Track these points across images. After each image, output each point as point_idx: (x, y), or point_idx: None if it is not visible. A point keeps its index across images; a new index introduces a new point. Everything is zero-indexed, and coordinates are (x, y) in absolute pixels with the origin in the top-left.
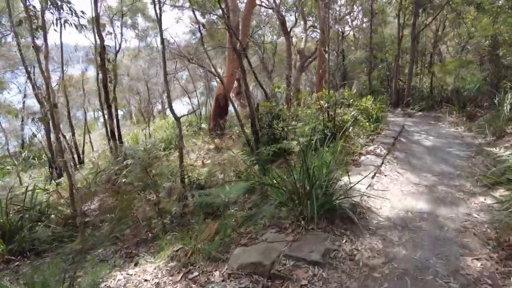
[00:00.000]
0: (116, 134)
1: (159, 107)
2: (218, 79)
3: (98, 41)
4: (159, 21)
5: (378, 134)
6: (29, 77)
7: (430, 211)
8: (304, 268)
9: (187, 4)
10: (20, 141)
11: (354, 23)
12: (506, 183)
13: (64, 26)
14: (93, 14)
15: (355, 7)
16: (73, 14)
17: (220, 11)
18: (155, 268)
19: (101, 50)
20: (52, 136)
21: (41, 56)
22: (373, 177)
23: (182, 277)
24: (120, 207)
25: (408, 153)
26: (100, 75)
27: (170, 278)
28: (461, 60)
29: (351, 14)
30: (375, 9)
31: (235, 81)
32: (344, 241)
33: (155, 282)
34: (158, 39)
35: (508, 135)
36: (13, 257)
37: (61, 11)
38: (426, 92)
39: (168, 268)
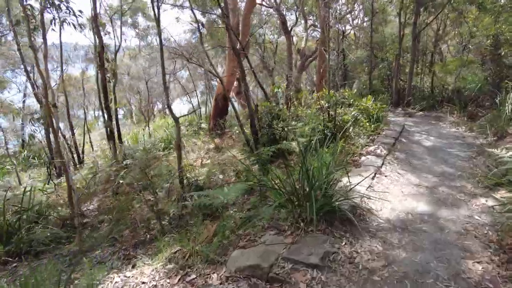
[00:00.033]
0: (116, 134)
1: (160, 106)
2: (217, 79)
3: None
4: (157, 20)
5: (379, 134)
6: (28, 77)
7: (431, 212)
8: (303, 271)
9: (187, 4)
10: (21, 141)
11: (355, 22)
12: (508, 185)
13: (62, 26)
14: (92, 14)
15: (356, 6)
16: (71, 14)
17: (220, 10)
18: (152, 271)
19: (100, 49)
20: (51, 136)
21: (40, 55)
22: (373, 178)
23: (179, 279)
24: (119, 208)
25: (408, 154)
26: (100, 75)
27: (168, 280)
28: (462, 60)
29: (352, 13)
30: (376, 8)
31: (236, 81)
32: (344, 243)
33: (152, 285)
34: (158, 38)
35: (509, 136)
36: (10, 259)
37: (59, 10)
38: (427, 91)
39: (165, 271)
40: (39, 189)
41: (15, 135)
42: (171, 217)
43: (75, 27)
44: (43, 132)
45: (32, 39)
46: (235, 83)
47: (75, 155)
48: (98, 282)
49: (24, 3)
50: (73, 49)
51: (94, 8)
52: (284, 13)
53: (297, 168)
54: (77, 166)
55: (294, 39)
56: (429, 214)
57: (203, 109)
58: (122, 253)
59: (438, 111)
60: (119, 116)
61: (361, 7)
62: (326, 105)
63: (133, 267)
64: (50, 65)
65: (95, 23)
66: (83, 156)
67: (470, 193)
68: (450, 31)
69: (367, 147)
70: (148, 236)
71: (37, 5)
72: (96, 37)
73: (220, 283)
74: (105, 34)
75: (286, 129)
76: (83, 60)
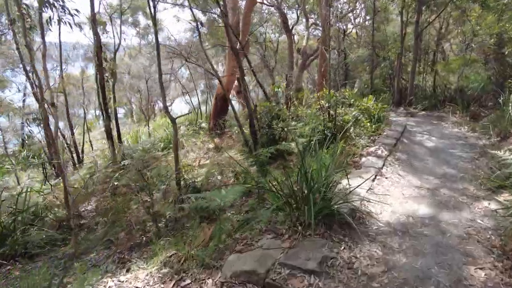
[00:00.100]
0: (115, 133)
1: (160, 105)
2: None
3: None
4: (153, 19)
5: (380, 134)
6: (27, 76)
7: (432, 216)
8: (300, 278)
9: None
10: (20, 140)
11: (357, 21)
12: (511, 188)
13: (59, 25)
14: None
15: (357, 4)
16: (67, 13)
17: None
18: (147, 275)
19: (98, 49)
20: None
21: (39, 54)
22: (373, 180)
23: (174, 284)
24: (115, 209)
25: (410, 155)
26: (98, 74)
27: (162, 286)
28: (465, 59)
29: (354, 12)
30: (377, 6)
31: (236, 80)
32: (342, 248)
33: None
34: (159, 37)
35: None
36: (4, 261)
37: (54, 9)
38: (429, 91)
39: (160, 275)
40: (36, 190)
41: (16, 134)
42: (168, 219)
43: (71, 26)
44: (43, 132)
45: (29, 38)
46: (236, 82)
47: (74, 155)
48: (91, 287)
49: (20, 2)
50: (73, 48)
51: (92, 7)
52: (285, 12)
53: (296, 169)
54: (77, 165)
55: (295, 37)
56: (430, 217)
57: (203, 108)
58: (117, 256)
59: (440, 110)
60: (120, 115)
61: (362, 5)
62: (327, 105)
63: (127, 271)
64: (49, 64)
65: (93, 22)
66: (82, 155)
67: (473, 195)
68: (453, 29)
69: (367, 147)
70: (143, 238)
71: (35, 4)
72: (95, 36)
73: None
74: (103, 33)
75: (285, 129)
76: (82, 59)
